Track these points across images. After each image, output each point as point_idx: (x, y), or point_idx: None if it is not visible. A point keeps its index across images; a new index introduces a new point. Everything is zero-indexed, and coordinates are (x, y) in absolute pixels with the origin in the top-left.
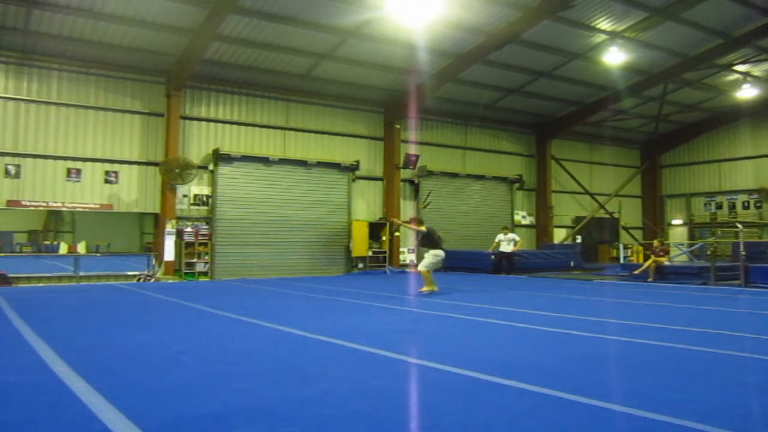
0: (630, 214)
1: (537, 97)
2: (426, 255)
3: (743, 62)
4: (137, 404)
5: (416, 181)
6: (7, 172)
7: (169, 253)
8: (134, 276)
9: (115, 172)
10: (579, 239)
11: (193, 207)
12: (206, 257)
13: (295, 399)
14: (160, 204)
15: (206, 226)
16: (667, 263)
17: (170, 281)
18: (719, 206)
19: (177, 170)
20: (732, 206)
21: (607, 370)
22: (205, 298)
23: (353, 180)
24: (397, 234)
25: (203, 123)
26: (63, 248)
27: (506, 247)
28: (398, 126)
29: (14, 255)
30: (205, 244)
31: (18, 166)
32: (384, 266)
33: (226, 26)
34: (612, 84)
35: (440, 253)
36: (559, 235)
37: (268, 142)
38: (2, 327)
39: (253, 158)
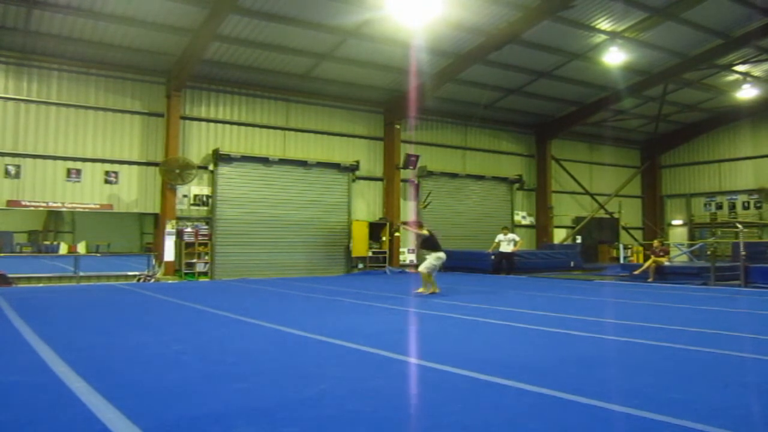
0: (630, 214)
1: (537, 97)
2: (428, 257)
3: (743, 62)
4: (137, 404)
5: (416, 181)
6: (7, 173)
7: (169, 254)
8: (134, 276)
9: (115, 173)
10: (579, 239)
11: (193, 207)
12: (206, 257)
13: (294, 399)
14: (160, 204)
15: (206, 227)
16: (667, 263)
17: (170, 281)
18: (719, 206)
19: (177, 170)
20: (732, 206)
21: (607, 370)
22: (205, 299)
23: (353, 180)
24: (397, 234)
25: (203, 123)
26: (63, 248)
27: (506, 248)
28: (398, 126)
29: (14, 255)
30: (205, 245)
31: (18, 167)
32: (384, 266)
33: (226, 26)
34: (612, 84)
35: (442, 255)
36: (559, 236)
37: (268, 142)
38: (2, 327)
39: (253, 158)
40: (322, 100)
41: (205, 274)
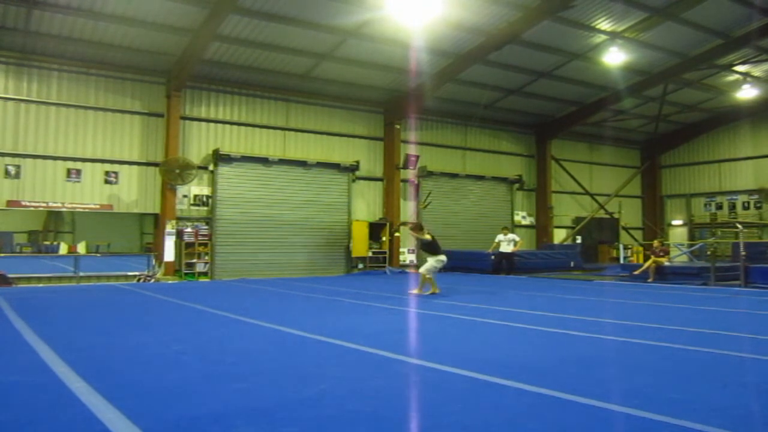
0: (630, 214)
1: (537, 98)
2: (429, 259)
3: (743, 62)
4: (137, 404)
5: (416, 181)
6: (7, 173)
7: (169, 254)
8: (134, 276)
9: (115, 173)
10: (579, 239)
11: (193, 207)
12: (206, 257)
13: (294, 399)
14: (160, 204)
15: (206, 227)
16: (667, 264)
17: (170, 281)
18: (719, 206)
19: (177, 170)
20: (732, 206)
21: (606, 370)
22: (205, 299)
23: (353, 180)
24: (397, 234)
25: (203, 123)
26: (63, 248)
27: (506, 248)
28: (398, 126)
29: (14, 255)
30: (205, 245)
31: (18, 167)
32: (384, 266)
33: (226, 26)
34: (612, 84)
35: (443, 258)
36: (559, 236)
37: (267, 142)
38: (2, 327)
39: (253, 158)
40: (322, 100)
41: (205, 274)
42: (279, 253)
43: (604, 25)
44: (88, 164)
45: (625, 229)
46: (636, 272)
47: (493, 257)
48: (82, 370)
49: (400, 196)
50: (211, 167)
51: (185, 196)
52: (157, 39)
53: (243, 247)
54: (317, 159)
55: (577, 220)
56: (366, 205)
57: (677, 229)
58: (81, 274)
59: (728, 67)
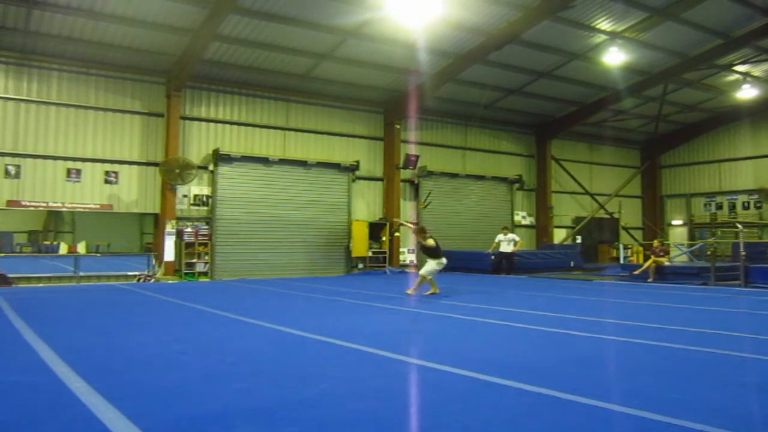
0: (630, 214)
1: (537, 98)
2: (429, 261)
3: (743, 62)
4: (137, 404)
5: (416, 182)
6: (7, 173)
7: (169, 254)
8: (134, 276)
9: (115, 173)
10: (579, 239)
11: (193, 207)
12: (206, 257)
13: (294, 399)
14: (160, 204)
15: (206, 227)
16: (667, 263)
17: (170, 281)
18: (719, 206)
19: (177, 170)
20: (732, 206)
21: (606, 370)
22: (204, 299)
23: (353, 180)
24: (397, 234)
25: (203, 123)
26: (63, 248)
27: (506, 248)
28: (398, 126)
29: (14, 255)
30: (205, 245)
31: (18, 167)
32: (384, 266)
33: (226, 26)
34: (612, 84)
35: (444, 261)
36: (559, 236)
37: (268, 142)
38: (2, 327)
39: (253, 158)
40: (322, 100)
41: (205, 274)
42: (279, 253)
43: (604, 25)
44: (88, 164)
45: (625, 229)
46: (636, 272)
47: (493, 257)
48: (82, 370)
49: (400, 196)
50: (211, 167)
51: (185, 196)
52: (157, 39)
53: (243, 247)
54: (317, 159)
55: (577, 220)
56: (366, 205)
57: (677, 229)
58: (81, 274)
59: (728, 67)
